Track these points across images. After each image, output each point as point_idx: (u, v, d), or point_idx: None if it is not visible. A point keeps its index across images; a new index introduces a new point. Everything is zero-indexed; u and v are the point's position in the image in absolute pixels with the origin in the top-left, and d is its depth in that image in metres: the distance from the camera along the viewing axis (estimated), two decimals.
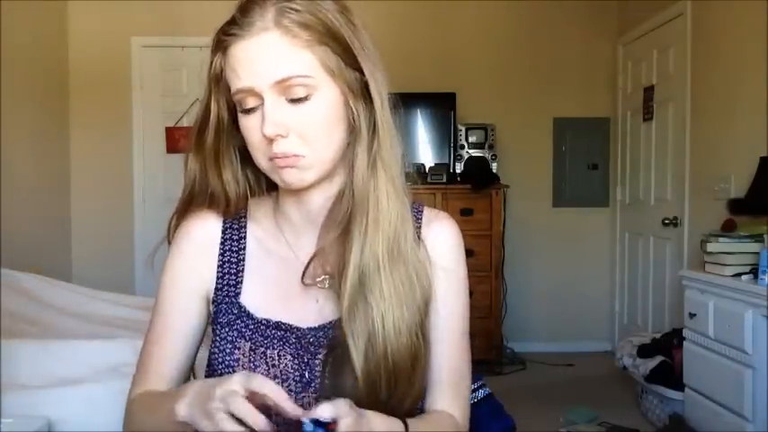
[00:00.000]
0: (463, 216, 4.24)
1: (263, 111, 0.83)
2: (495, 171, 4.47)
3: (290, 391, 0.90)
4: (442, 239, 0.97)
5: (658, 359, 3.28)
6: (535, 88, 4.87)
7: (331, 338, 0.90)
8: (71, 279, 4.26)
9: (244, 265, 0.95)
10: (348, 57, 0.86)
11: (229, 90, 0.87)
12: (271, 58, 0.82)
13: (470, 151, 4.49)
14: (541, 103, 4.88)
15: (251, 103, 0.84)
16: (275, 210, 0.98)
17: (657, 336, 3.56)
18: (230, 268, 0.95)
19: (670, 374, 3.20)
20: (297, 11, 0.83)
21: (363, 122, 0.88)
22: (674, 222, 3.97)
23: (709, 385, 2.88)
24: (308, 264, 0.92)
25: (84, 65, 4.67)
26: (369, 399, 0.84)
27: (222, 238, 0.97)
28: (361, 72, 0.87)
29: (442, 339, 0.94)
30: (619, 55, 4.81)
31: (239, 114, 0.87)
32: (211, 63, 0.89)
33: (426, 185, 4.24)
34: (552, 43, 4.87)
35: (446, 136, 4.56)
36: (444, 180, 4.34)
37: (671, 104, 4.07)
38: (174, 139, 4.75)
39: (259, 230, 0.97)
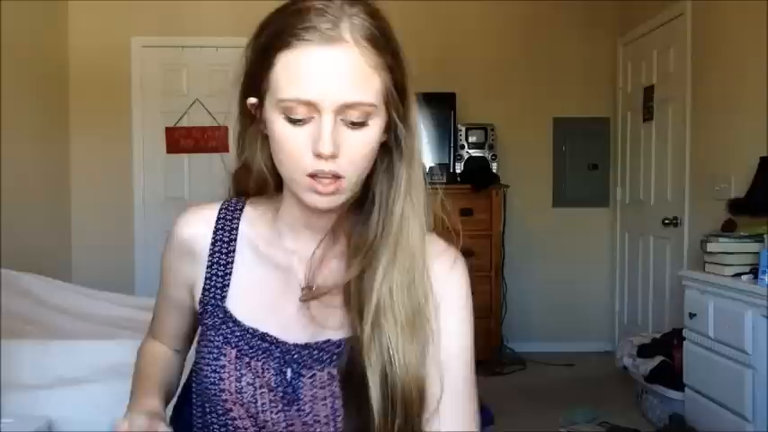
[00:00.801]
0: (463, 216, 4.24)
1: (319, 126, 0.78)
2: (495, 171, 4.47)
3: (277, 401, 0.88)
4: (454, 280, 0.94)
5: (658, 359, 3.28)
6: (535, 88, 4.87)
7: (341, 360, 0.88)
8: (71, 279, 4.26)
9: (231, 268, 0.93)
10: (401, 83, 0.84)
11: (264, 88, 0.82)
12: (345, 77, 0.78)
13: (470, 151, 4.49)
14: (541, 103, 4.88)
15: (301, 113, 0.79)
16: (274, 215, 0.94)
17: (657, 336, 3.56)
18: (218, 270, 0.93)
19: (670, 374, 3.20)
20: (365, 26, 0.79)
21: (403, 149, 0.86)
22: (674, 222, 3.98)
23: (709, 385, 2.88)
24: (314, 295, 0.90)
25: (84, 65, 4.67)
26: (381, 425, 0.83)
27: (213, 238, 0.95)
28: (405, 97, 0.85)
29: (455, 372, 0.91)
30: (619, 55, 4.82)
31: (277, 119, 0.81)
32: (268, 57, 0.81)
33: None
34: (552, 43, 4.87)
35: (446, 136, 4.56)
36: (444, 180, 4.34)
37: (671, 104, 4.07)
38: (174, 140, 4.75)
39: (252, 234, 0.94)
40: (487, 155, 4.49)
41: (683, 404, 3.09)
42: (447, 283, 0.92)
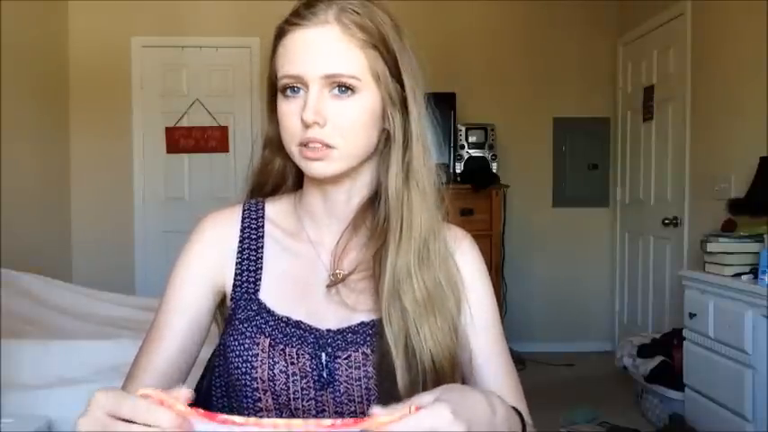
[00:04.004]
0: (463, 216, 4.23)
1: (305, 98, 0.87)
2: (495, 171, 4.47)
3: (310, 388, 0.91)
4: (470, 259, 1.00)
5: (658, 359, 3.28)
6: (535, 88, 4.87)
7: (375, 339, 0.92)
8: (71, 279, 4.26)
9: (262, 262, 0.97)
10: (394, 68, 0.91)
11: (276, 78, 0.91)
12: (326, 50, 0.87)
13: (470, 151, 4.49)
14: (541, 103, 4.88)
15: (294, 87, 0.88)
16: (296, 206, 1.00)
17: (657, 336, 3.56)
18: (249, 265, 0.96)
19: (670, 374, 3.20)
20: (357, 13, 0.88)
21: (399, 133, 0.92)
22: (674, 222, 3.98)
23: (709, 385, 2.88)
24: (340, 279, 0.94)
25: (84, 65, 4.67)
26: (407, 396, 0.87)
27: (241, 236, 0.98)
28: (403, 86, 0.92)
29: (493, 352, 0.98)
30: (619, 55, 4.82)
31: (279, 100, 0.90)
32: (275, 51, 0.92)
33: None
34: (552, 43, 4.87)
35: (446, 136, 4.56)
36: (444, 180, 4.33)
37: (671, 104, 4.07)
38: (174, 140, 4.75)
39: (277, 229, 0.99)
40: (487, 155, 4.49)
41: (683, 404, 3.09)
42: (465, 260, 1.00)
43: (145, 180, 4.79)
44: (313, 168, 0.89)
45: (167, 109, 4.73)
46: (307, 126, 0.86)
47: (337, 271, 0.95)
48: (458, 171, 4.50)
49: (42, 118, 4.35)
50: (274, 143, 0.98)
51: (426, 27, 4.65)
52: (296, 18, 0.88)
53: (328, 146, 0.87)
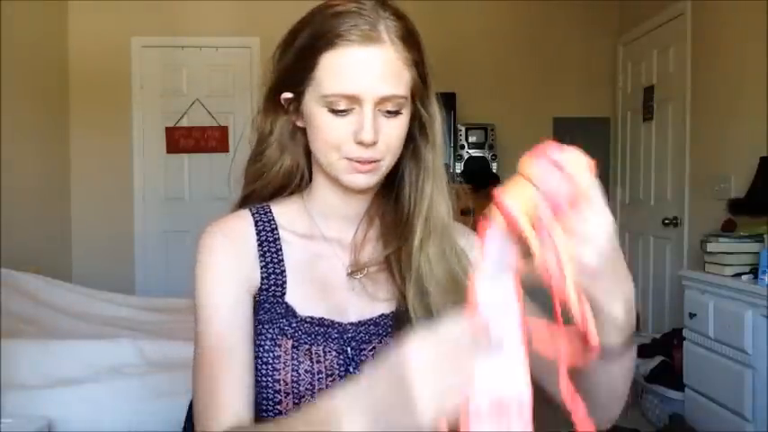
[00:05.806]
0: (463, 216, 4.23)
1: (360, 116, 0.88)
2: (495, 171, 4.47)
3: (336, 385, 0.90)
4: (476, 249, 1.02)
5: (658, 359, 3.28)
6: (535, 88, 4.87)
7: (392, 332, 0.93)
8: (71, 279, 4.26)
9: (284, 265, 0.96)
10: (423, 73, 0.94)
11: (306, 85, 0.90)
12: (382, 73, 0.87)
13: (470, 151, 4.50)
14: (541, 103, 4.88)
15: (344, 105, 0.88)
16: (307, 205, 1.00)
17: (657, 336, 3.56)
18: (274, 268, 0.95)
19: (670, 374, 3.21)
20: (398, 26, 0.89)
21: (430, 133, 0.98)
22: (674, 222, 3.98)
23: (709, 385, 2.88)
24: (358, 269, 0.97)
25: (84, 65, 4.67)
26: None
27: (258, 239, 0.96)
28: (427, 85, 0.96)
29: None
30: (619, 55, 4.82)
31: (322, 112, 0.89)
32: (311, 57, 0.88)
33: None
34: (552, 43, 4.87)
35: (446, 136, 4.56)
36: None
37: (671, 104, 4.07)
38: (174, 140, 4.75)
39: (290, 231, 0.98)
40: (487, 155, 4.49)
41: (683, 404, 3.09)
42: (471, 252, 1.02)
43: (145, 180, 4.79)
44: (359, 182, 0.91)
45: (167, 109, 4.74)
46: (363, 144, 0.88)
47: (356, 266, 0.97)
48: (458, 171, 4.50)
49: (42, 118, 4.35)
50: (282, 142, 0.97)
51: (426, 27, 4.59)
52: (348, 33, 0.86)
53: (377, 161, 0.90)
